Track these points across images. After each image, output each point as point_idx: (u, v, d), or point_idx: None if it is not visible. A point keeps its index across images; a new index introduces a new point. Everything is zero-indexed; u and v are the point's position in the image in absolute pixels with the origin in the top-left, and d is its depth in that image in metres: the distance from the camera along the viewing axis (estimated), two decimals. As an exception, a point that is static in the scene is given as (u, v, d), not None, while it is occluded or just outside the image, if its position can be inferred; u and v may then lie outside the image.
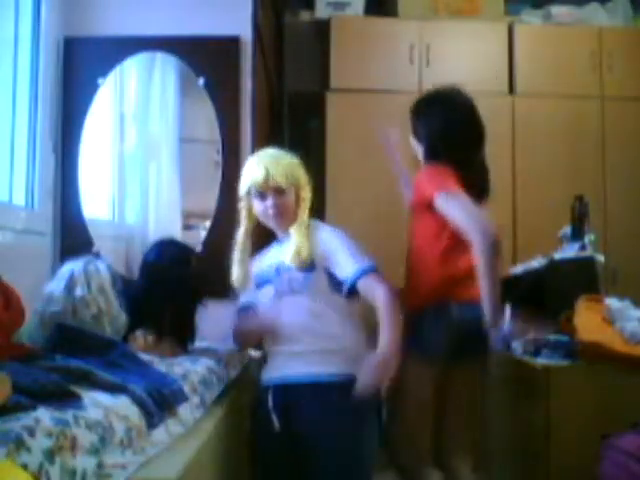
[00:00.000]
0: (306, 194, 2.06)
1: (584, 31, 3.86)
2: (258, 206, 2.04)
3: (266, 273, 2.04)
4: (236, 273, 2.08)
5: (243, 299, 2.12)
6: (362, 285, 1.90)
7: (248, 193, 2.06)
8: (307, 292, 1.93)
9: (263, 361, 2.07)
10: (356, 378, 1.77)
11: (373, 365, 1.76)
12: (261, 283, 2.06)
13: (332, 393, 1.85)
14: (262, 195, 2.00)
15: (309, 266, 1.94)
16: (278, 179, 1.98)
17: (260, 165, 2.01)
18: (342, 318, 1.93)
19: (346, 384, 1.79)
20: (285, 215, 2.02)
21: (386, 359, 1.77)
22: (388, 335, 1.80)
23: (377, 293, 1.87)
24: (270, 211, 2.00)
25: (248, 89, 2.62)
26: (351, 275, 1.90)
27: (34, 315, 1.75)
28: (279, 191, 1.99)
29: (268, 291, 2.02)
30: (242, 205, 2.09)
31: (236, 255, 2.08)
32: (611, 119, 3.77)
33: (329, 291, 1.94)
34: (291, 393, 1.89)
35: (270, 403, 1.91)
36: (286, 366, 1.92)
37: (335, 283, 1.94)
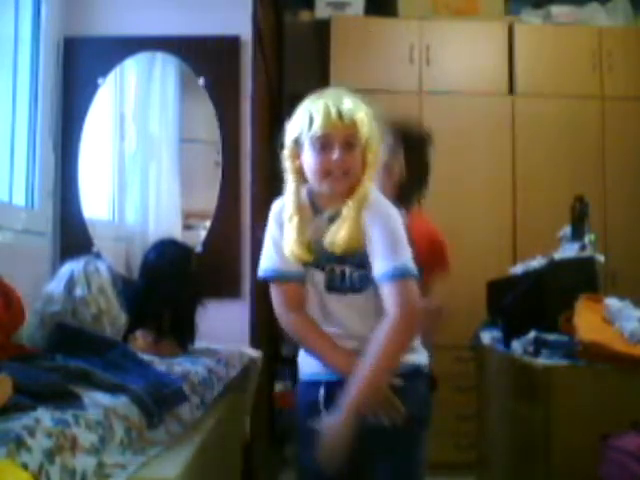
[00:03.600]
0: (374, 159, 1.52)
1: (584, 31, 3.85)
2: (313, 161, 1.48)
3: (315, 254, 1.53)
4: (295, 246, 1.49)
5: (276, 264, 1.55)
6: (384, 292, 1.48)
7: (297, 142, 1.52)
8: (364, 290, 1.53)
9: (296, 354, 1.68)
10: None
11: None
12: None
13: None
14: (325, 145, 1.46)
15: (364, 257, 1.49)
16: (357, 125, 1.46)
17: (329, 101, 1.48)
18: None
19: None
20: (351, 179, 1.49)
21: (338, 424, 1.43)
22: (361, 380, 1.44)
23: (391, 312, 1.46)
24: (335, 169, 1.46)
25: (248, 89, 2.62)
26: (378, 275, 1.48)
27: (34, 315, 1.75)
28: (349, 144, 1.47)
29: (314, 278, 1.55)
30: (286, 155, 1.55)
31: (293, 222, 1.51)
32: (611, 119, 3.76)
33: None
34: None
35: (321, 400, 1.54)
36: None
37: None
